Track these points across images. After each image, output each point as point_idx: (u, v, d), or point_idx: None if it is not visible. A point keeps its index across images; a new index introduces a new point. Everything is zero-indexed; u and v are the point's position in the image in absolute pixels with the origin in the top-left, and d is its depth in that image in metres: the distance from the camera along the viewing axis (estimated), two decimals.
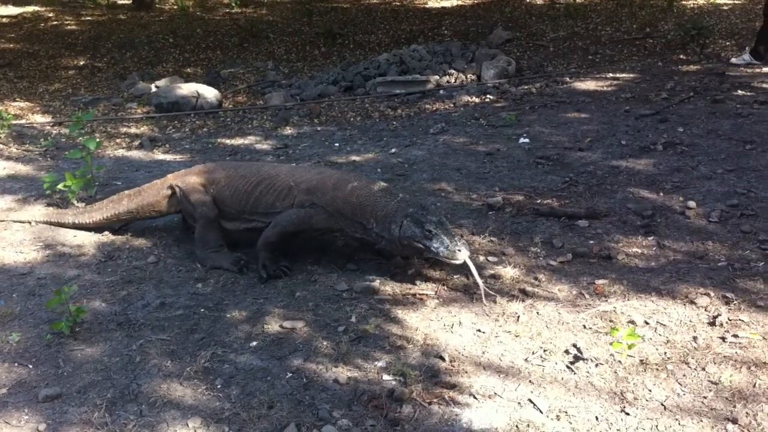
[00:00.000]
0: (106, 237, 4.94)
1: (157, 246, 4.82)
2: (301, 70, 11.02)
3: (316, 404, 3.17)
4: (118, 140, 7.88)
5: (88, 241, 4.89)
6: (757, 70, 8.54)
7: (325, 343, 3.63)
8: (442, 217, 4.15)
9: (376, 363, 3.45)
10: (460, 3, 15.52)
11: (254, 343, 3.66)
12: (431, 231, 3.97)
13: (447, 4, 15.48)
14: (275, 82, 10.23)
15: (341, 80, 9.65)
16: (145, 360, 3.55)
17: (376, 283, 4.15)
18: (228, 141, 7.56)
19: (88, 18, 16.14)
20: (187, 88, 9.07)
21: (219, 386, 3.34)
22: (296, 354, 3.55)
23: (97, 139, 5.98)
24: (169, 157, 7.09)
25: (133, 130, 8.29)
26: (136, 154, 7.24)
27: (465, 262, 3.93)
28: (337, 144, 7.16)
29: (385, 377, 3.34)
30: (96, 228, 5.00)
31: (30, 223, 5.11)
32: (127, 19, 15.76)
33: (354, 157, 6.58)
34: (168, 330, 3.81)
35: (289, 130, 7.88)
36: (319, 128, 7.90)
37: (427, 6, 15.46)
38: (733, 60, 9.03)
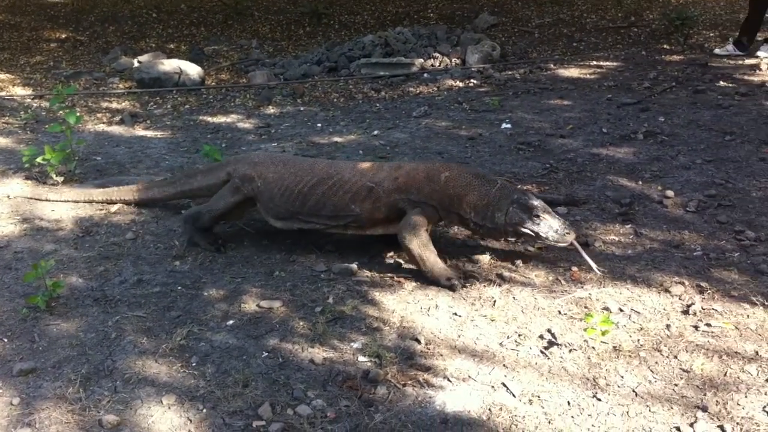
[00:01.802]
0: (84, 212, 4.92)
1: (136, 222, 4.80)
2: (285, 50, 10.96)
3: (291, 384, 3.19)
4: (98, 115, 7.82)
5: (66, 216, 4.86)
6: (740, 62, 8.58)
7: (301, 323, 3.64)
8: (541, 201, 4.06)
9: (352, 344, 3.47)
10: None
11: (231, 322, 3.66)
12: (539, 216, 3.92)
13: None
14: (259, 61, 10.17)
15: (325, 61, 9.61)
16: (121, 336, 3.55)
17: (355, 265, 4.16)
18: (210, 119, 7.52)
19: None
20: (169, 64, 8.99)
21: (194, 364, 3.34)
22: (272, 334, 3.55)
23: (78, 114, 5.91)
24: (149, 133, 7.04)
25: (114, 105, 8.23)
26: (116, 129, 7.19)
27: (572, 244, 3.99)
28: (319, 124, 7.14)
29: (361, 358, 3.36)
30: (165, 201, 5.00)
31: (8, 197, 5.08)
32: None
33: (336, 138, 6.57)
34: (144, 307, 3.81)
35: (271, 110, 7.85)
36: (302, 108, 7.88)
37: None
38: (717, 51, 9.07)
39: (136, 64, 9.74)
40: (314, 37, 11.67)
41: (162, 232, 4.67)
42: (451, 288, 3.92)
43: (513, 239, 4.25)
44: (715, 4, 12.38)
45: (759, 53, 8.75)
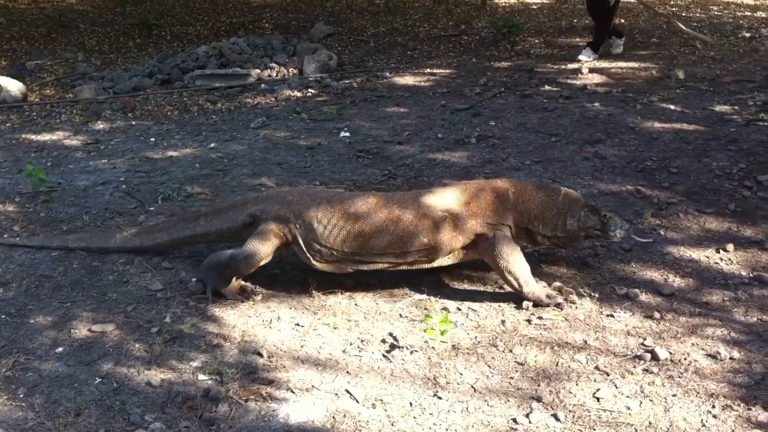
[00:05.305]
0: None
1: None
2: (114, 62, 10.56)
3: (127, 409, 3.05)
4: None
5: None
6: (563, 67, 9.03)
7: (137, 345, 3.49)
8: None
9: (191, 363, 3.36)
10: None
11: (60, 349, 3.47)
12: (606, 216, 3.97)
13: None
14: (86, 75, 9.73)
15: (158, 73, 9.33)
16: None
17: (193, 281, 4.04)
18: (34, 137, 7.11)
19: None
20: None
21: (21, 396, 3.14)
22: (106, 358, 3.39)
23: None
24: None
25: None
26: None
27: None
28: (153, 139, 6.91)
29: (201, 377, 3.26)
30: (157, 250, 4.38)
31: None
32: None
33: (171, 153, 6.38)
34: None
35: (101, 125, 7.53)
36: (133, 123, 7.60)
37: None
38: (581, 57, 9.29)
39: None
40: (145, 49, 11.31)
41: None
42: (558, 306, 3.80)
43: (574, 245, 4.15)
44: (539, 12, 13.01)
45: (580, 57, 9.21)
